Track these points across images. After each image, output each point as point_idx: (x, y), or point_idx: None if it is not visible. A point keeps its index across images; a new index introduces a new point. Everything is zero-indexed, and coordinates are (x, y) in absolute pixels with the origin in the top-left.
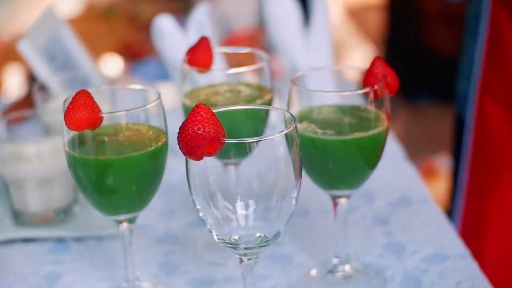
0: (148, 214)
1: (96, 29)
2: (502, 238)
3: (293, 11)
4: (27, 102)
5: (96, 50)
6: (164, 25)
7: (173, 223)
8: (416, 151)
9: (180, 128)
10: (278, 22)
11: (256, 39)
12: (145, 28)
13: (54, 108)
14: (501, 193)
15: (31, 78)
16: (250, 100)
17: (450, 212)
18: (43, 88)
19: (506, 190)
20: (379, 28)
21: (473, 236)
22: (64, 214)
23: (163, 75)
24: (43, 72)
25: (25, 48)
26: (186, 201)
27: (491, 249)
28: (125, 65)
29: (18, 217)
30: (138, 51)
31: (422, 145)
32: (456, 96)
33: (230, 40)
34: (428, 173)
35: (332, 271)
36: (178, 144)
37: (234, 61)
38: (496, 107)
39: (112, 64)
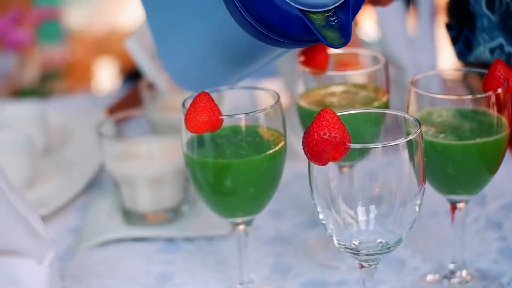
0: (258, 215)
1: None
2: None
3: (399, 7)
4: (132, 99)
5: None
6: None
7: (283, 224)
8: None
9: (305, 133)
10: (383, 19)
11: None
12: None
13: (161, 107)
14: None
15: (129, 74)
16: (367, 102)
17: None
18: (150, 86)
19: None
20: None
21: None
22: (173, 213)
23: (266, 72)
24: (151, 70)
25: (133, 46)
26: (295, 202)
27: None
28: None
29: (128, 216)
30: None
31: None
32: None
33: None
34: None
35: (448, 276)
36: (303, 149)
37: (334, 58)
38: None
39: None
